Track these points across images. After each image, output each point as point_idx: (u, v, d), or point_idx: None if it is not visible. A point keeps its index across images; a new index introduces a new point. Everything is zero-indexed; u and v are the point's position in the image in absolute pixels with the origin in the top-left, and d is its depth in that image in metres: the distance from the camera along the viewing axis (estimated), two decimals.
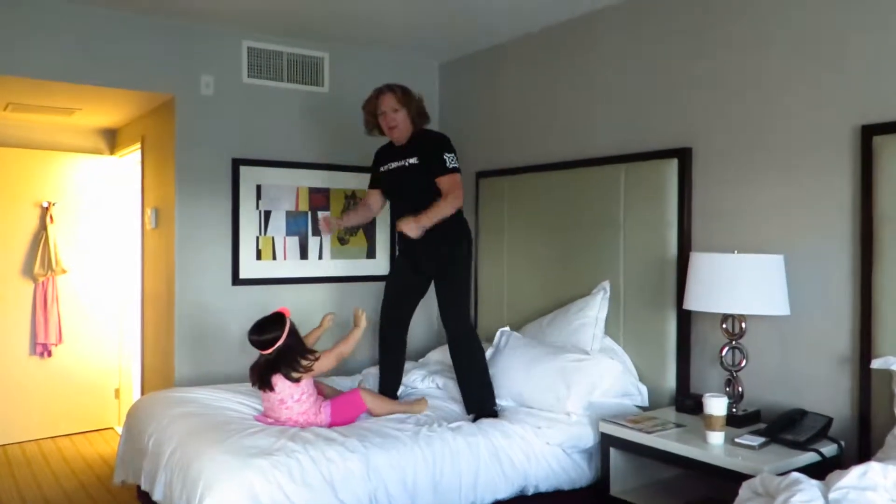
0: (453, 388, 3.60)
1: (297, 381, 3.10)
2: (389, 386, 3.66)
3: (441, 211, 3.35)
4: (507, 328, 3.89)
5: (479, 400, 3.38)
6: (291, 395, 3.12)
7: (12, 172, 5.27)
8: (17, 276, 5.31)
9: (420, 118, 3.52)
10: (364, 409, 3.26)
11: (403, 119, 3.47)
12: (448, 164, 3.39)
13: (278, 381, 3.10)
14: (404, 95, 3.47)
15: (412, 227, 3.27)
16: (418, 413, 3.33)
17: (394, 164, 3.55)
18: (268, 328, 3.15)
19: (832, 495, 1.88)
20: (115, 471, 3.50)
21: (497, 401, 3.44)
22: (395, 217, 3.58)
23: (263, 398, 3.21)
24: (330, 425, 3.14)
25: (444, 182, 3.39)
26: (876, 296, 2.71)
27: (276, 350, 3.11)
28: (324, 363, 3.18)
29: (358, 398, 3.28)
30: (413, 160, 3.46)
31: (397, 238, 3.66)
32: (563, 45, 4.10)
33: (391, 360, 3.68)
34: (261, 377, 3.14)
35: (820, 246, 2.92)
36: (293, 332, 3.17)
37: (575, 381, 3.31)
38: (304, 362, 3.13)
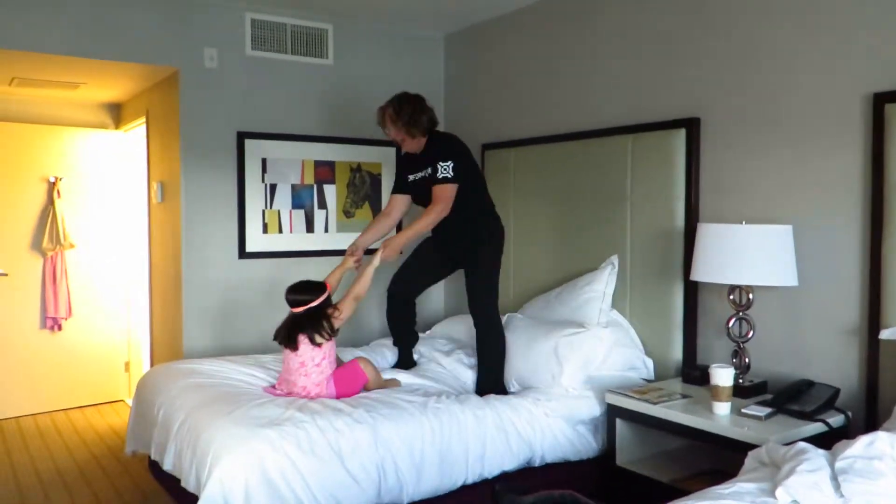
0: (457, 367, 3.63)
1: (319, 345, 3.15)
2: (406, 348, 3.71)
3: (418, 227, 3.37)
4: (510, 313, 3.85)
5: (489, 385, 3.41)
6: (313, 358, 3.15)
7: (19, 147, 5.27)
8: (25, 250, 5.34)
9: (415, 127, 3.41)
10: (366, 379, 3.28)
11: (403, 134, 3.44)
12: (439, 174, 3.36)
13: (303, 341, 3.14)
14: (397, 113, 3.39)
15: (390, 254, 3.34)
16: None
17: (419, 175, 3.53)
18: (306, 290, 3.24)
19: (839, 464, 1.88)
20: (126, 442, 3.54)
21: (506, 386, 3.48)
22: None
23: (284, 361, 3.24)
24: (336, 397, 3.17)
25: (435, 191, 3.38)
26: (885, 266, 2.69)
27: (307, 311, 3.18)
28: (345, 315, 3.24)
29: (359, 369, 3.29)
30: (430, 170, 3.45)
31: (432, 234, 3.63)
32: (570, 14, 4.04)
33: (400, 320, 3.73)
34: (288, 334, 3.19)
35: (829, 216, 2.90)
36: (328, 302, 3.24)
37: (567, 358, 3.30)
38: (328, 328, 3.17)
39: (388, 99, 3.48)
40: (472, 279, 3.51)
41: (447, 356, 3.81)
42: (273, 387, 3.24)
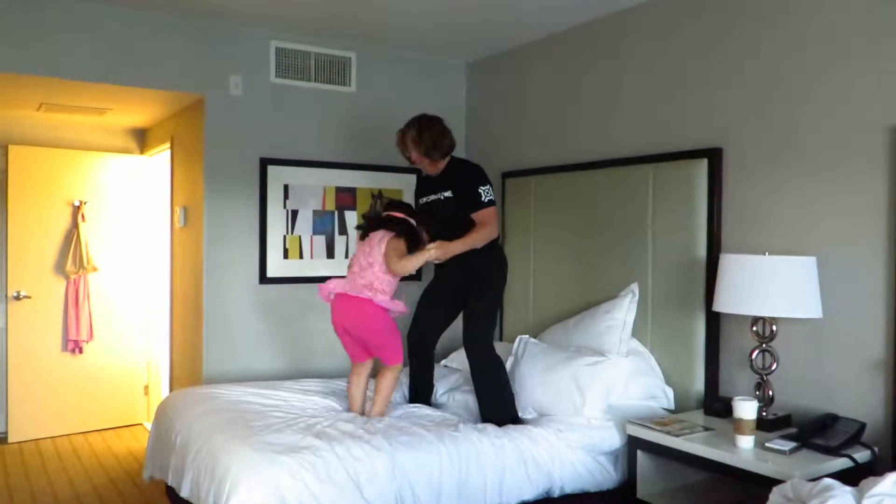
0: (473, 403, 3.58)
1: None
2: (421, 395, 3.68)
3: (473, 240, 3.38)
4: (525, 336, 3.83)
5: (497, 419, 3.31)
6: (382, 263, 3.33)
7: (45, 171, 5.35)
8: (49, 273, 5.40)
9: (436, 150, 3.45)
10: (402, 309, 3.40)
11: (423, 157, 3.47)
12: (483, 199, 3.40)
13: (378, 237, 3.37)
14: (418, 135, 3.43)
15: (441, 254, 3.35)
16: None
17: (432, 197, 3.57)
18: (410, 208, 3.54)
19: (866, 502, 1.84)
20: (144, 467, 3.54)
21: (520, 413, 3.43)
22: (435, 240, 3.58)
23: (356, 258, 3.41)
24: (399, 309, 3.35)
25: (479, 216, 3.40)
26: None
27: (400, 220, 3.43)
28: (400, 266, 3.32)
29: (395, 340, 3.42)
30: (447, 193, 3.48)
31: (435, 263, 3.68)
32: (591, 45, 4.07)
33: (420, 373, 3.71)
34: (371, 226, 3.48)
35: (853, 248, 2.86)
36: (414, 230, 3.45)
37: (588, 387, 3.28)
38: (405, 234, 3.39)
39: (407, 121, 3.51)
40: (473, 304, 3.47)
41: (462, 388, 3.78)
42: (342, 278, 3.44)
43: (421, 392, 3.69)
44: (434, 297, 3.68)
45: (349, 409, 3.43)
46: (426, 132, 3.43)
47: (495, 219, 3.44)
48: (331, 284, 3.39)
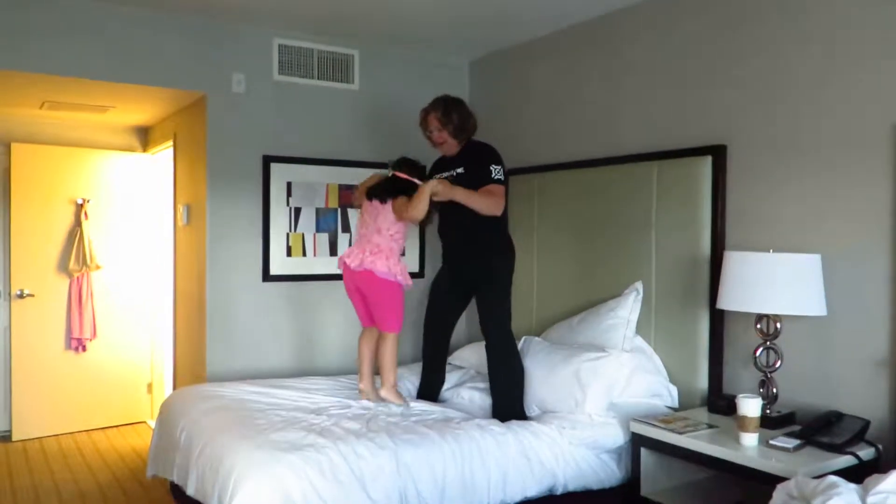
0: (479, 398, 3.59)
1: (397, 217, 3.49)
2: (432, 387, 3.71)
3: (475, 199, 3.37)
4: (529, 336, 3.84)
5: (506, 412, 3.35)
6: (388, 227, 3.47)
7: (48, 170, 5.36)
8: (52, 271, 5.40)
9: (462, 131, 3.51)
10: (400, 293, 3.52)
11: (448, 136, 3.50)
12: (493, 175, 3.41)
13: (388, 207, 3.49)
14: (444, 114, 3.47)
15: (443, 191, 3.36)
16: (396, 404, 3.45)
17: (444, 175, 3.57)
18: (418, 168, 3.62)
19: (870, 499, 1.84)
20: (147, 465, 3.55)
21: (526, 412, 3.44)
22: (442, 226, 3.63)
23: (364, 221, 3.58)
24: (403, 282, 3.48)
25: (488, 187, 3.40)
26: None
27: (407, 181, 3.53)
28: (413, 207, 3.40)
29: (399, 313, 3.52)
30: (459, 170, 3.50)
31: (442, 248, 3.72)
32: (594, 42, 4.06)
33: (434, 363, 3.74)
34: (384, 191, 3.54)
35: (858, 245, 2.86)
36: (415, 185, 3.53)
37: (589, 383, 3.28)
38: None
39: (428, 105, 3.56)
40: (485, 298, 3.48)
41: (468, 384, 3.79)
42: (350, 249, 3.57)
43: (431, 385, 3.71)
44: (445, 284, 3.71)
45: (359, 380, 3.57)
46: (454, 112, 3.47)
47: (501, 196, 3.43)
48: (346, 259, 3.51)
